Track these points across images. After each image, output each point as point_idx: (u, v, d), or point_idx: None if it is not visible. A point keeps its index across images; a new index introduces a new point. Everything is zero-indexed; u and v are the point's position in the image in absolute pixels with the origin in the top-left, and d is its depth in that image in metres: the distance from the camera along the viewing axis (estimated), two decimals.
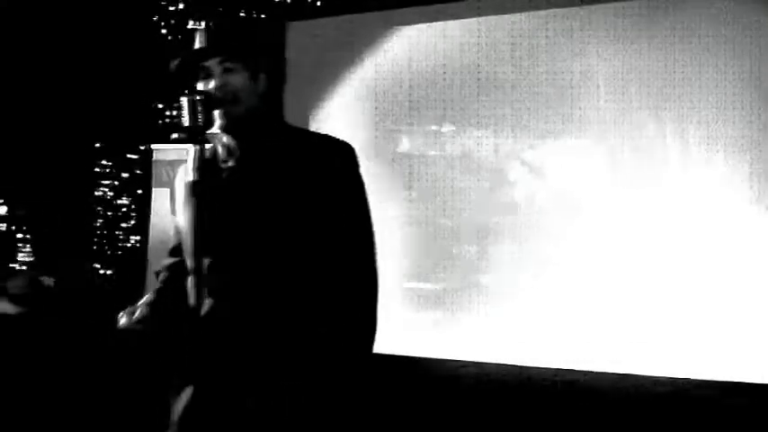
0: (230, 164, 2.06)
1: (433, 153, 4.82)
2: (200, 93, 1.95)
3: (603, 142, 4.45)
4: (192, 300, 2.02)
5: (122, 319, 2.10)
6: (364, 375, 1.95)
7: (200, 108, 1.92)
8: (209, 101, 1.96)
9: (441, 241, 4.74)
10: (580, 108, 4.49)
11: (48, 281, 5.81)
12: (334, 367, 1.94)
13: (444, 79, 4.80)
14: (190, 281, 2.07)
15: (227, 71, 2.04)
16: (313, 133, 2.17)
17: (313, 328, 1.96)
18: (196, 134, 1.94)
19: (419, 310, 4.63)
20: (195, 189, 1.99)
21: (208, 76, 2.04)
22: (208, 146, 2.02)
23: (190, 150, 1.98)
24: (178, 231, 2.20)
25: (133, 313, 2.07)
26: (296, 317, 1.97)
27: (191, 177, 2.00)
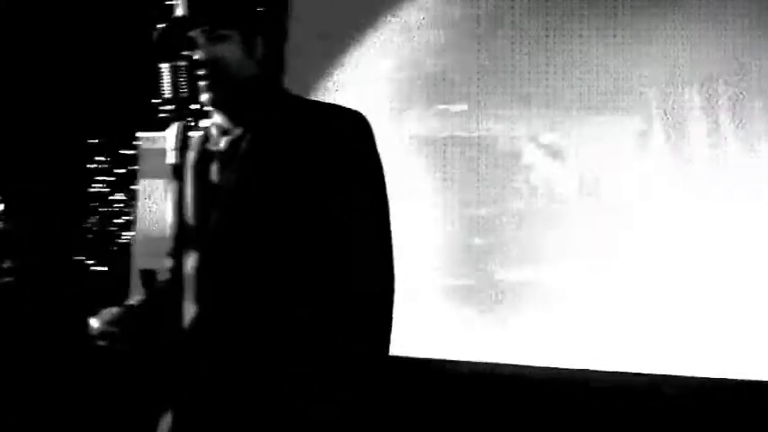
0: (222, 145, 1.88)
1: (444, 134, 4.63)
2: (185, 58, 1.77)
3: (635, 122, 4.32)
4: (174, 306, 1.85)
5: (95, 323, 1.92)
6: (380, 382, 1.78)
7: (183, 77, 1.74)
8: (195, 68, 1.79)
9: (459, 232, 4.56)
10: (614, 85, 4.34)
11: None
12: (345, 379, 1.76)
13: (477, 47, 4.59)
14: (171, 283, 1.90)
15: (214, 41, 1.88)
16: (319, 103, 2.04)
17: (320, 336, 1.79)
18: (179, 108, 1.75)
19: (442, 307, 4.47)
20: (176, 173, 1.81)
21: (192, 48, 1.90)
22: (196, 124, 1.86)
23: (171, 127, 1.81)
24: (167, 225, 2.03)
25: (106, 316, 1.90)
26: (300, 324, 1.79)
27: (170, 159, 1.83)
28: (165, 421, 1.85)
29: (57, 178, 5.65)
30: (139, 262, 5.26)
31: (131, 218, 6.39)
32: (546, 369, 4.26)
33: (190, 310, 1.80)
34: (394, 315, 1.83)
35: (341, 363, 1.75)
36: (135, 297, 1.99)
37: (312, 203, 1.75)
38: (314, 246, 1.76)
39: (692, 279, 4.27)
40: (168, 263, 2.05)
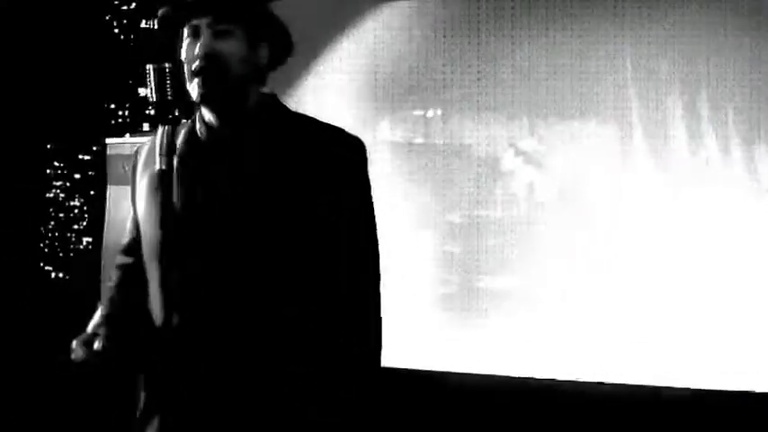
0: (211, 143, 1.83)
1: (419, 140, 4.57)
2: (171, 60, 1.72)
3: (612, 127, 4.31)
4: (156, 316, 1.81)
5: (78, 351, 1.87)
6: (373, 382, 1.76)
7: (168, 80, 1.70)
8: (182, 70, 1.74)
9: (435, 238, 4.52)
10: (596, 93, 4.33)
11: None
12: (337, 378, 1.74)
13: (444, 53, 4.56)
14: (153, 292, 1.86)
15: (218, 35, 1.83)
16: (318, 122, 1.96)
17: (310, 336, 1.77)
18: (164, 111, 1.71)
19: (417, 316, 4.41)
20: (164, 179, 1.76)
21: (195, 36, 1.83)
22: (182, 124, 1.81)
23: (158, 130, 1.76)
24: (135, 228, 1.97)
25: (89, 343, 1.84)
26: (289, 323, 1.77)
27: (158, 165, 1.78)
28: (154, 425, 1.81)
29: (14, 182, 5.55)
30: (109, 270, 5.17)
31: (90, 224, 6.30)
32: (528, 379, 4.22)
33: (161, 314, 1.75)
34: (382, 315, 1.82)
35: (332, 362, 1.73)
36: (101, 313, 1.92)
37: (299, 205, 1.72)
38: (300, 247, 1.73)
39: (676, 285, 4.24)
40: (121, 259, 2.00)
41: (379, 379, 1.76)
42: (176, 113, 1.71)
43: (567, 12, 4.25)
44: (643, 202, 4.14)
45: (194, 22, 1.83)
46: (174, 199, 1.74)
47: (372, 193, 1.85)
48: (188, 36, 1.79)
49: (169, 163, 1.70)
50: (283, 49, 1.89)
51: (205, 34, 1.84)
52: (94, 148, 5.90)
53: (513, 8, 4.35)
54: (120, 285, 2.00)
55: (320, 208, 1.71)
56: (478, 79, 4.37)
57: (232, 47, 1.84)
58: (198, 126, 1.82)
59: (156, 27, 1.79)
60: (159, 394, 1.75)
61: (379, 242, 1.84)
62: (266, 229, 1.70)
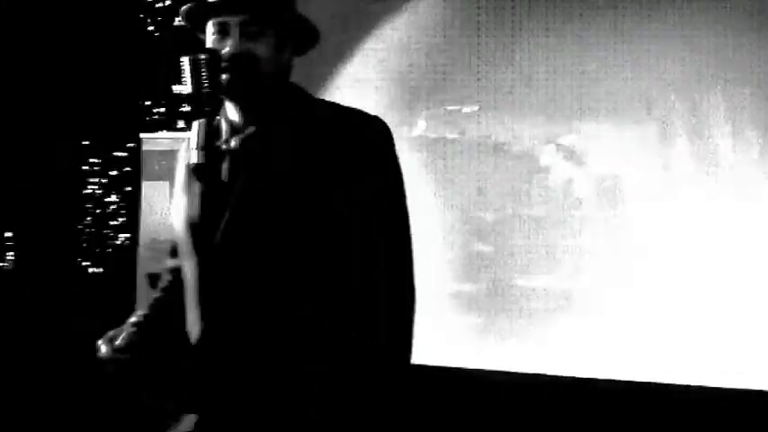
0: (234, 143, 1.81)
1: (454, 136, 4.51)
2: (207, 51, 1.70)
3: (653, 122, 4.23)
4: (189, 316, 1.79)
5: (103, 348, 1.86)
6: (398, 383, 1.73)
7: (204, 71, 1.68)
8: (218, 62, 1.71)
9: (470, 238, 4.45)
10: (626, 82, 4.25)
11: None
12: (364, 395, 1.70)
13: (477, 48, 4.51)
14: (188, 291, 1.84)
15: (249, 36, 1.80)
16: (338, 106, 1.92)
17: (338, 337, 1.73)
18: (200, 104, 1.68)
19: (454, 315, 4.36)
20: (200, 173, 1.73)
21: (223, 34, 1.80)
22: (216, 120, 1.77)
23: (194, 125, 1.74)
24: (175, 228, 1.96)
25: (114, 340, 1.84)
26: (316, 327, 1.73)
27: (194, 159, 1.76)
28: (178, 426, 1.80)
29: (51, 179, 5.60)
30: (145, 265, 5.16)
31: (126, 220, 6.33)
32: (562, 378, 4.16)
33: (193, 316, 1.74)
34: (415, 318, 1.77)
35: (356, 362, 1.70)
36: (138, 313, 1.91)
37: (325, 207, 1.69)
38: (327, 250, 1.70)
39: (717, 286, 4.14)
40: (170, 261, 1.99)
41: (401, 379, 1.71)
42: (213, 107, 1.68)
43: (610, 4, 4.16)
44: (682, 202, 4.05)
45: (223, 19, 1.81)
46: (186, 198, 1.72)
47: (401, 178, 1.78)
48: (215, 33, 1.76)
49: (206, 157, 1.67)
50: (307, 45, 1.85)
51: (234, 33, 1.82)
52: (130, 145, 5.93)
53: (564, 6, 4.26)
54: (165, 289, 1.97)
55: (343, 197, 1.66)
56: (515, 74, 4.31)
57: (262, 48, 1.83)
58: (223, 124, 1.79)
59: (182, 21, 1.75)
60: (187, 399, 1.73)
61: (412, 229, 1.78)
62: (290, 224, 1.66)
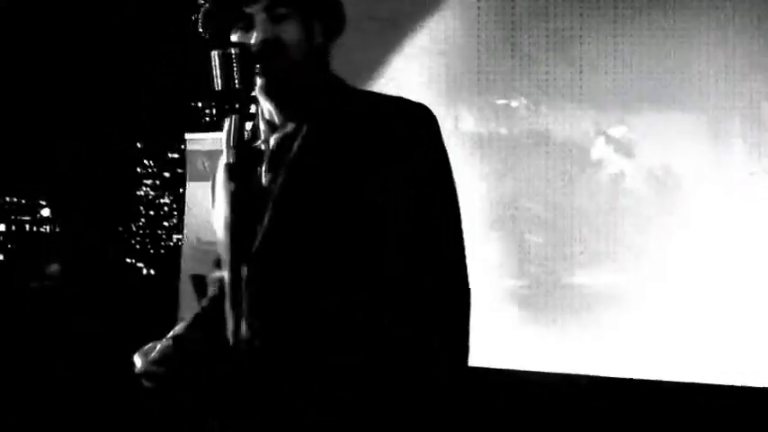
0: (272, 143, 1.69)
1: (503, 130, 4.41)
2: (236, 45, 1.44)
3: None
4: (230, 330, 1.68)
5: (138, 362, 1.60)
6: (453, 382, 1.61)
7: (236, 66, 1.41)
8: (249, 55, 1.46)
9: (517, 233, 4.35)
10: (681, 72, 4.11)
11: (53, 268, 5.71)
12: (418, 403, 1.58)
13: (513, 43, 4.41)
14: (226, 303, 1.72)
15: (275, 20, 1.50)
16: (380, 96, 1.59)
17: (384, 337, 1.60)
18: (233, 100, 1.42)
19: (503, 313, 4.26)
20: (233, 174, 1.46)
21: (248, 28, 1.52)
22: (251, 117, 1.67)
23: (226, 123, 1.62)
24: (216, 232, 1.83)
25: (149, 353, 1.59)
26: (361, 331, 1.61)
27: (225, 158, 1.49)
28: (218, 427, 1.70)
29: (105, 181, 5.67)
30: (189, 267, 5.09)
31: (178, 221, 6.37)
32: (615, 380, 4.03)
33: (234, 321, 1.63)
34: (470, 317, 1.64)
35: (406, 362, 1.58)
36: (179, 326, 1.77)
37: (371, 209, 1.56)
38: (366, 241, 1.57)
39: None
40: (216, 272, 1.84)
41: (456, 378, 1.60)
42: (245, 103, 1.57)
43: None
44: (737, 197, 3.91)
45: (246, 10, 1.53)
46: (225, 201, 1.61)
47: (445, 165, 1.61)
48: (240, 27, 1.54)
49: (237, 156, 1.55)
50: (336, 24, 1.70)
51: (260, 20, 1.51)
52: (183, 147, 5.96)
53: None
54: (209, 301, 1.85)
55: (377, 185, 1.53)
56: (561, 66, 4.22)
57: (290, 31, 1.51)
58: (260, 123, 1.67)
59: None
60: (226, 392, 1.65)
61: (462, 216, 1.63)
62: (331, 223, 1.55)
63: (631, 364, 3.98)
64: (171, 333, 1.72)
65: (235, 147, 1.45)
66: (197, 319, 1.80)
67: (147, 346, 1.60)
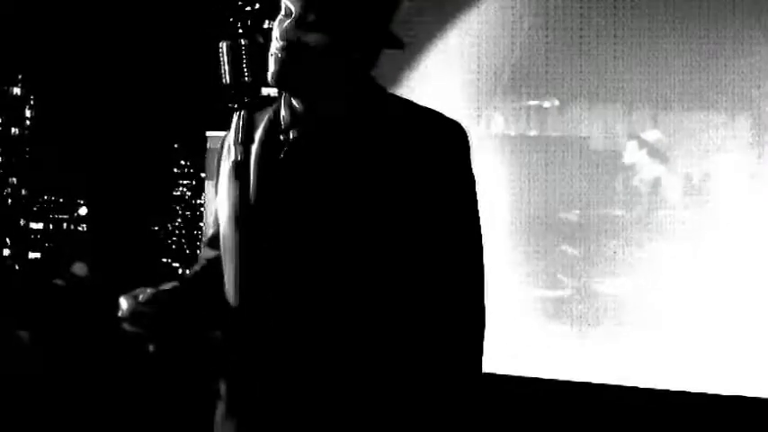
0: (292, 135, 1.62)
1: (533, 133, 4.38)
2: (247, 37, 1.49)
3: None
4: (231, 312, 1.62)
5: (124, 303, 1.62)
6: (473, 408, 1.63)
7: (245, 59, 1.49)
8: (260, 47, 1.51)
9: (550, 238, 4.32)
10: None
11: (80, 269, 5.71)
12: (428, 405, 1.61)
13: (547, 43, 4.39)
14: (228, 290, 1.66)
15: (303, 23, 1.55)
16: (414, 105, 1.66)
17: (400, 364, 1.56)
18: (239, 94, 1.51)
19: (533, 322, 4.24)
20: (239, 171, 1.56)
21: (286, 15, 1.57)
22: (266, 110, 1.66)
23: (233, 117, 1.56)
24: (216, 221, 1.76)
25: (137, 296, 1.61)
26: (371, 335, 1.57)
27: (233, 156, 1.57)
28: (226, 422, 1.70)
29: (142, 181, 5.69)
30: None
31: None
32: (647, 391, 3.98)
33: (236, 312, 1.64)
34: (486, 328, 1.67)
35: (422, 370, 1.62)
36: (170, 282, 1.75)
37: (390, 211, 1.59)
38: (390, 245, 1.58)
39: None
40: (209, 251, 1.88)
41: (471, 390, 1.63)
42: (254, 98, 1.56)
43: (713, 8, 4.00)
44: None
45: (287, 2, 1.58)
46: (251, 192, 1.62)
47: (473, 187, 1.64)
48: (281, 15, 1.59)
49: (246, 153, 1.57)
50: (380, 43, 1.65)
51: (290, 19, 1.58)
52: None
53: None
54: (196, 275, 1.86)
55: (412, 203, 1.55)
56: (592, 67, 4.17)
57: (317, 39, 1.57)
58: (282, 112, 1.68)
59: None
60: (238, 395, 1.65)
61: (483, 240, 1.67)
62: (351, 226, 1.56)
63: (668, 374, 3.95)
64: (162, 286, 1.72)
65: (242, 143, 1.55)
66: (186, 279, 1.81)
67: (136, 290, 1.64)
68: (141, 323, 1.62)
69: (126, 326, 1.62)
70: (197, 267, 1.86)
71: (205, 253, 1.84)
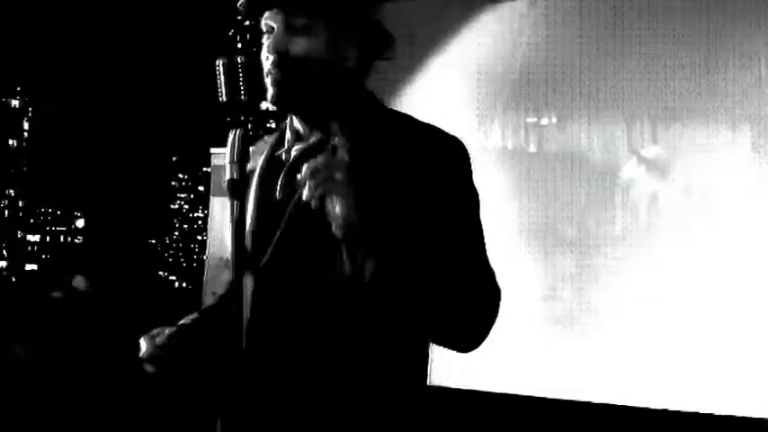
0: (294, 153, 1.63)
1: (531, 149, 4.32)
2: (244, 53, 1.36)
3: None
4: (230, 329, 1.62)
5: (143, 345, 1.53)
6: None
7: (242, 76, 1.36)
8: (256, 65, 1.40)
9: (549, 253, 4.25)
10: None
11: (80, 282, 5.68)
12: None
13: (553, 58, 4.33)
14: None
15: (292, 31, 1.42)
16: (415, 121, 1.52)
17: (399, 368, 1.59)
18: (235, 112, 1.37)
19: (522, 334, 4.16)
20: (234, 189, 1.40)
21: (269, 33, 1.45)
22: (258, 131, 1.63)
23: (229, 136, 1.41)
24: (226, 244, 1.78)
25: (155, 337, 1.53)
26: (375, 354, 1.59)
27: (227, 174, 1.42)
28: None
29: (139, 194, 5.69)
30: (211, 284, 5.06)
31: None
32: (646, 410, 3.90)
33: (247, 337, 1.59)
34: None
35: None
36: (188, 317, 1.73)
37: (392, 228, 1.50)
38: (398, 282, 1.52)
39: None
40: (227, 284, 1.80)
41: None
42: (251, 115, 1.50)
43: (696, 9, 3.97)
44: None
45: (268, 15, 1.46)
46: (249, 211, 1.57)
47: (477, 201, 1.60)
48: (264, 33, 1.46)
49: (241, 171, 1.50)
50: (377, 50, 1.61)
51: (278, 29, 1.44)
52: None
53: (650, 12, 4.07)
54: (221, 298, 1.82)
55: (415, 219, 1.49)
56: (591, 84, 4.15)
57: (310, 45, 1.42)
58: (288, 134, 1.62)
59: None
60: (236, 415, 1.61)
61: (488, 254, 1.62)
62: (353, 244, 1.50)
63: (665, 389, 3.91)
64: (180, 321, 1.69)
65: (238, 162, 1.38)
66: (205, 313, 1.78)
67: (154, 331, 1.54)
68: (160, 366, 1.59)
69: (146, 367, 1.59)
70: (221, 293, 1.81)
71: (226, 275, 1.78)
